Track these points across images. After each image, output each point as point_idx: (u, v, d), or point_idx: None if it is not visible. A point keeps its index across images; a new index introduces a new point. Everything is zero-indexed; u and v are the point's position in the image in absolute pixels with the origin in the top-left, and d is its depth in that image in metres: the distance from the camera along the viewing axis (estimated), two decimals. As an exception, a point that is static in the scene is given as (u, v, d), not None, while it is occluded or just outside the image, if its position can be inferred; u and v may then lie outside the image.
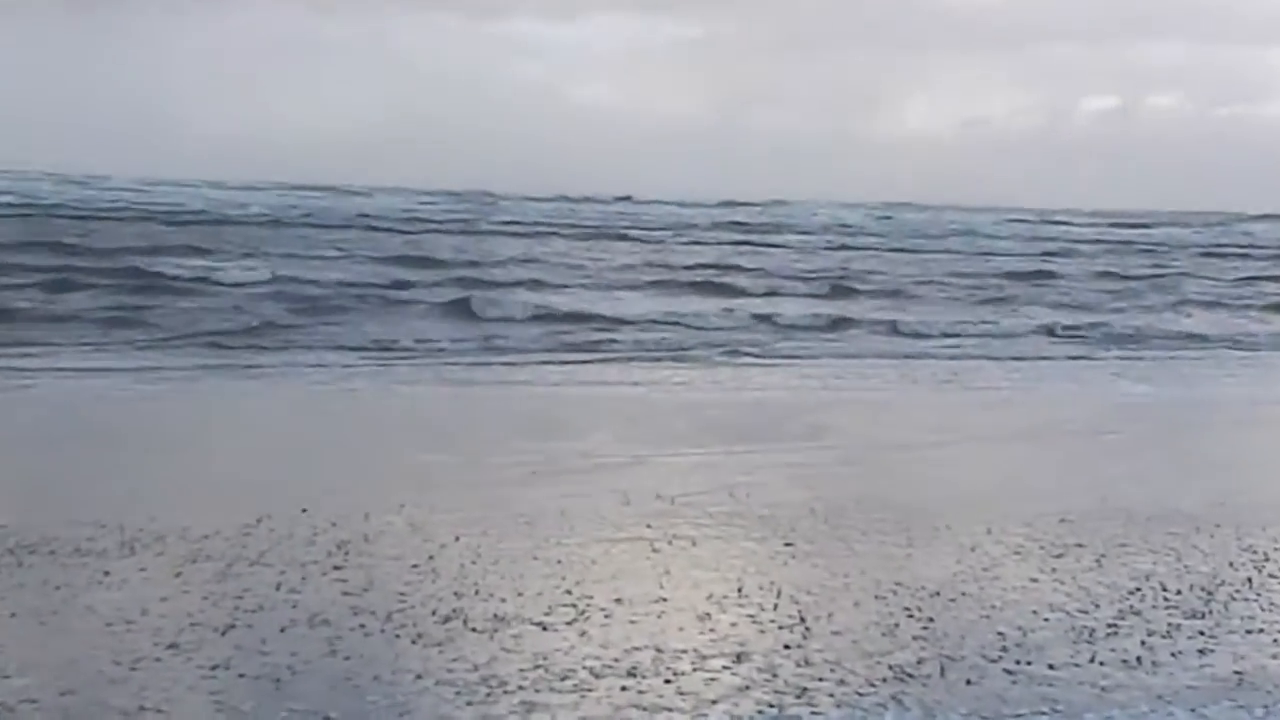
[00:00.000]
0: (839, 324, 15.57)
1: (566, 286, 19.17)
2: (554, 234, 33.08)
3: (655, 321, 16.04)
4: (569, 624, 4.42)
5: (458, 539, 5.57)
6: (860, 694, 3.74)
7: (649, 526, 5.89)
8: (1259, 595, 4.87)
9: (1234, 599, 4.81)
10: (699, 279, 21.08)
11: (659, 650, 4.14)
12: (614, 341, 14.03)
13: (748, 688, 3.77)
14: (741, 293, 20.03)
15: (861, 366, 12.94)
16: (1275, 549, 5.53)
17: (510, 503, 6.28)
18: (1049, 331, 15.94)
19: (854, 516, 6.16)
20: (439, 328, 14.52)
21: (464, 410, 9.40)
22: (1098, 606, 4.69)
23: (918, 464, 7.58)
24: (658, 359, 13.02)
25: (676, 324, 15.67)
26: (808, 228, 43.10)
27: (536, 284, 18.94)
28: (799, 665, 3.99)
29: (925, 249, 32.73)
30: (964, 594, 4.89)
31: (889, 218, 47.30)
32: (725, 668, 3.94)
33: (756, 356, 13.31)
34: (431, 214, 41.69)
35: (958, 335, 15.57)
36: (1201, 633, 4.40)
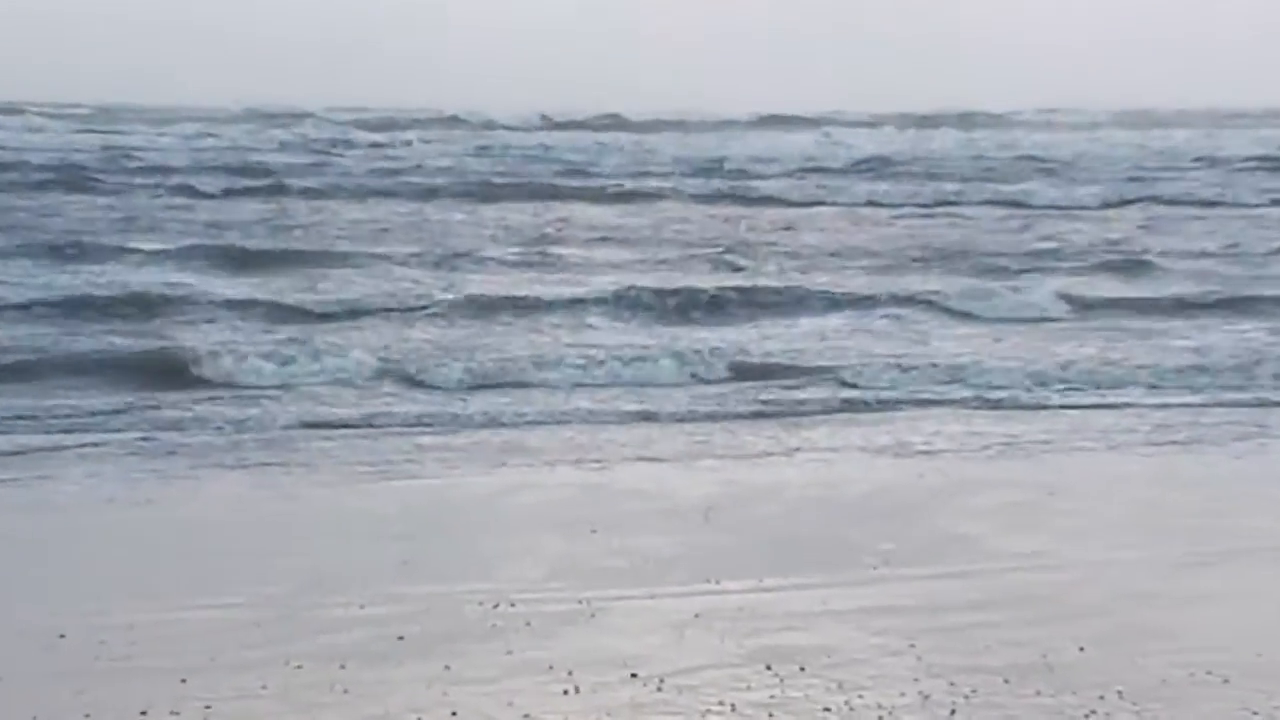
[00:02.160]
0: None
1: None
2: (465, 193, 33.13)
3: (635, 353, 15.96)
4: None
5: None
6: None
7: (614, 735, 5.90)
8: None
9: None
10: (704, 289, 20.81)
11: None
12: (556, 399, 14.06)
13: None
14: (774, 294, 20.08)
15: (1008, 417, 12.98)
16: None
17: (352, 698, 6.25)
18: None
19: (1004, 705, 6.18)
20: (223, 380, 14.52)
21: (269, 523, 9.36)
22: None
23: (1122, 602, 7.59)
24: (635, 416, 13.05)
25: (662, 358, 15.68)
26: (898, 156, 43.66)
27: (392, 311, 18.82)
28: None
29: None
30: None
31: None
32: None
33: (819, 412, 13.34)
34: (205, 155, 41.71)
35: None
36: None
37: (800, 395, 14.13)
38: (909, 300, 19.60)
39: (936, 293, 19.97)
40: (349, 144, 45.70)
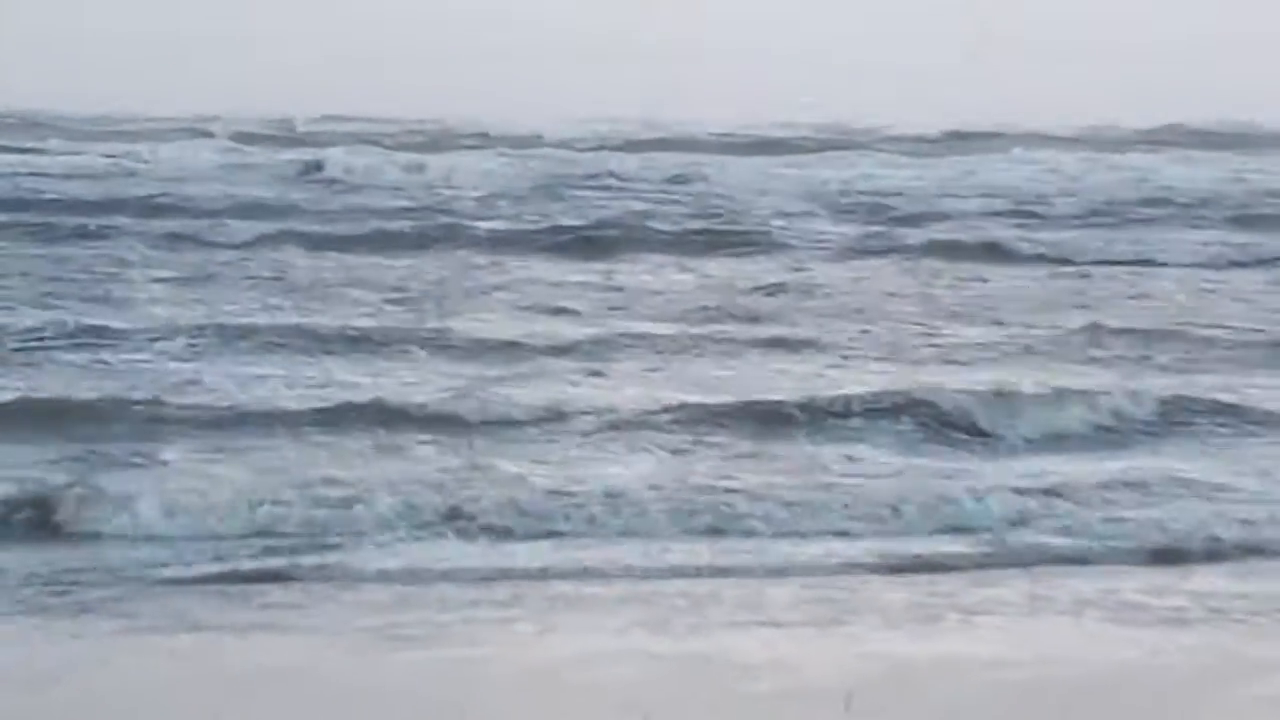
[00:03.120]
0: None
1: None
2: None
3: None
4: None
5: None
6: None
7: None
8: None
9: None
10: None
11: None
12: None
13: None
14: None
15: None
16: None
17: None
18: None
19: None
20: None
21: (213, 713, 9.30)
22: None
23: None
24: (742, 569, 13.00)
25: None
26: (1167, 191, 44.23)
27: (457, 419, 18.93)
28: None
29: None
30: None
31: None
32: None
33: (1013, 564, 13.16)
34: (199, 187, 42.63)
35: None
36: None
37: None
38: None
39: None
40: (379, 172, 45.26)
